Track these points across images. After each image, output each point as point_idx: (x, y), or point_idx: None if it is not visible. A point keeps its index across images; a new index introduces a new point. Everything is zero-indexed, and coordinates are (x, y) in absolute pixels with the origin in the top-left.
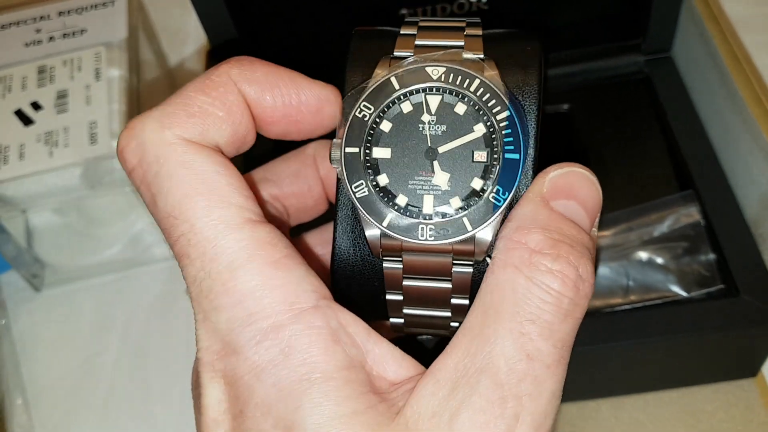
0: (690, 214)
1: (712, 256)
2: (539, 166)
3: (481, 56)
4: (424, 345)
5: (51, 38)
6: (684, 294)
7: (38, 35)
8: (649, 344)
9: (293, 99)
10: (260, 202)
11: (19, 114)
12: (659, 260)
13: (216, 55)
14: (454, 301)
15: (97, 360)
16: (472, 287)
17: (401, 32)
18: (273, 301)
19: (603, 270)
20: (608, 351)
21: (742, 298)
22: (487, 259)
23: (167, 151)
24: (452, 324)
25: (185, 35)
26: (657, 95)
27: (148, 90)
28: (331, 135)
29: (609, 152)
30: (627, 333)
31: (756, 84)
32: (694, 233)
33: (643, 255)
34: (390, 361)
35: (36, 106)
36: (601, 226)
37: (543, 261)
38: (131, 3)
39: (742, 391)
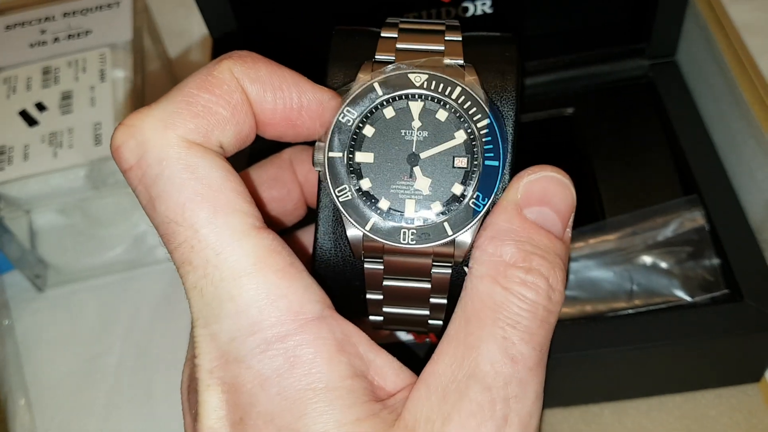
0: (694, 219)
1: (716, 260)
2: (515, 171)
3: (461, 62)
4: (417, 354)
5: (56, 39)
6: (688, 298)
7: (43, 36)
8: (653, 349)
9: (295, 102)
10: (259, 205)
11: (24, 115)
12: (663, 265)
13: (220, 49)
14: (432, 300)
15: (100, 360)
16: (450, 287)
17: (382, 35)
18: (278, 311)
19: (607, 274)
20: (612, 355)
21: (746, 302)
22: (465, 269)
23: (170, 153)
24: (430, 321)
25: (189, 37)
26: (661, 99)
27: (152, 91)
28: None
29: (613, 156)
30: (631, 337)
31: (761, 88)
32: (699, 238)
33: (647, 259)
34: (389, 371)
35: (40, 106)
36: (605, 230)
37: (517, 273)
38: (136, 4)
39: (745, 396)
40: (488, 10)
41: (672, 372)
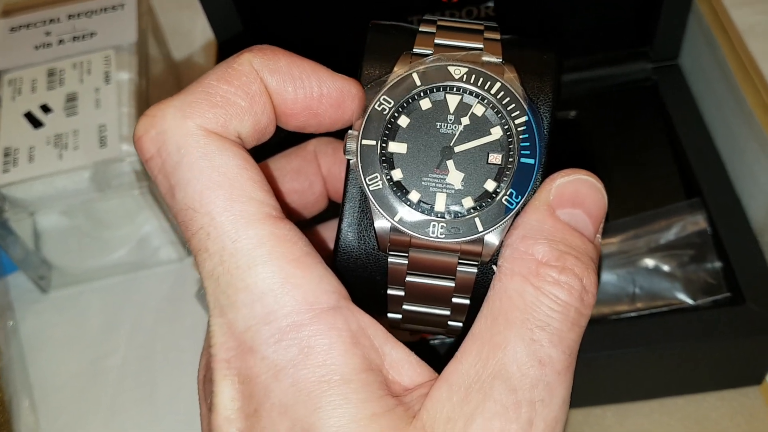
0: (696, 222)
1: (718, 264)
2: (548, 172)
3: (501, 60)
4: (437, 350)
5: (61, 41)
6: (690, 301)
7: (48, 38)
8: (655, 351)
9: (315, 91)
10: (279, 196)
11: (29, 116)
12: (666, 268)
13: (225, 51)
14: (455, 300)
15: (104, 362)
16: (474, 288)
17: (420, 30)
18: (293, 300)
19: (609, 277)
20: (614, 358)
21: (748, 306)
22: (494, 267)
23: (189, 141)
24: (450, 323)
25: (194, 38)
26: (664, 103)
27: (157, 93)
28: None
29: (616, 159)
30: (633, 340)
31: (763, 92)
32: (701, 241)
33: (649, 262)
34: (406, 366)
35: (46, 108)
36: (608, 233)
37: (550, 272)
38: (140, 6)
39: (747, 399)
40: (491, 13)
41: (674, 374)
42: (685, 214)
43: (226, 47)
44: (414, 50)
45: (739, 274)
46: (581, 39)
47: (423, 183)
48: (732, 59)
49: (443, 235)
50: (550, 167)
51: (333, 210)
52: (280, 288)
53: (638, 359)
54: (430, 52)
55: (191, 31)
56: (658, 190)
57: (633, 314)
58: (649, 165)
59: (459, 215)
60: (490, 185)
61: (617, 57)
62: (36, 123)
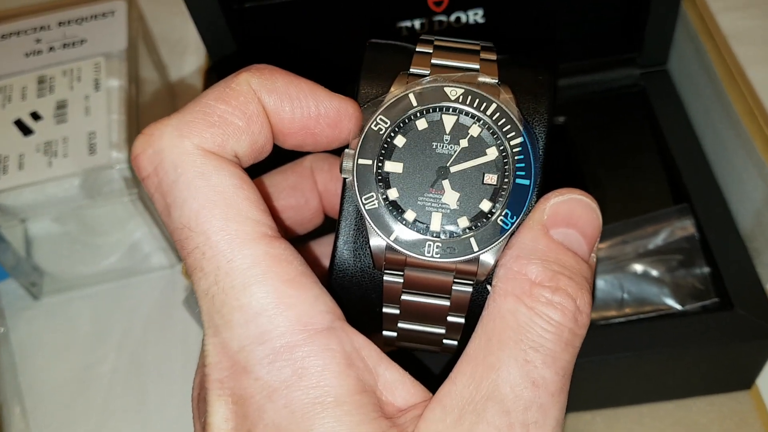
0: (685, 228)
1: (706, 269)
2: (543, 190)
3: (497, 81)
4: (431, 370)
5: (51, 48)
6: (678, 307)
7: (38, 45)
8: (644, 357)
9: (312, 111)
10: (274, 213)
11: (19, 124)
12: (654, 273)
13: (215, 70)
14: (450, 318)
15: (95, 368)
16: (470, 306)
17: (417, 49)
18: (287, 320)
19: (598, 282)
20: (603, 363)
21: (736, 311)
22: (488, 287)
23: (185, 160)
24: (445, 341)
25: (185, 46)
26: (652, 108)
27: (147, 100)
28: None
29: (604, 165)
30: (622, 345)
31: (749, 97)
32: (689, 246)
33: (638, 268)
34: (400, 387)
35: (36, 116)
36: None
37: (543, 293)
38: (131, 13)
39: (736, 403)
40: (480, 20)
41: (663, 380)
42: (674, 220)
43: (219, 66)
44: (411, 70)
45: (727, 279)
46: (570, 45)
47: (419, 202)
48: (718, 65)
49: (438, 255)
50: (545, 185)
51: (328, 226)
52: (274, 308)
53: (627, 364)
54: (427, 72)
55: (182, 38)
56: (646, 196)
57: (621, 320)
58: (638, 170)
59: (454, 235)
60: (485, 205)
61: (606, 63)
62: (26, 130)
